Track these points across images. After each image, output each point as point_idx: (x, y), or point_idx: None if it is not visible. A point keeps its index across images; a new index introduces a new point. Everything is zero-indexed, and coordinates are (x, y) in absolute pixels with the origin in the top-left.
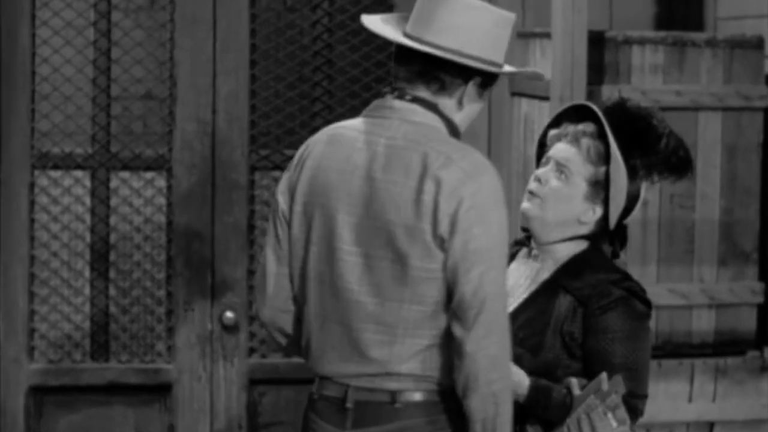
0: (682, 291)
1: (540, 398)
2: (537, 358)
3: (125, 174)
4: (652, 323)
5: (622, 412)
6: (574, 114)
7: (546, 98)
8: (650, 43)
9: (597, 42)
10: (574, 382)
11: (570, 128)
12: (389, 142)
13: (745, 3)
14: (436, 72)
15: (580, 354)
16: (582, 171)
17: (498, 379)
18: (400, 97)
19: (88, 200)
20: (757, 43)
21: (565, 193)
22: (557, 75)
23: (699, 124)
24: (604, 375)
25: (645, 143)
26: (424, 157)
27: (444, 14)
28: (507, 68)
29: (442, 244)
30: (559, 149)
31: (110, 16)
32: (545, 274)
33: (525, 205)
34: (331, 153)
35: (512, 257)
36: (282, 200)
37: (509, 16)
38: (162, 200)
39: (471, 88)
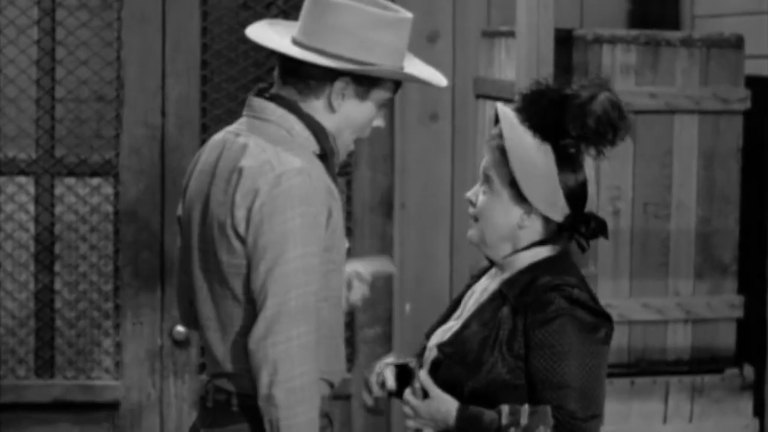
0: (656, 306)
1: (469, 428)
2: (477, 377)
3: (70, 180)
4: (623, 339)
5: None
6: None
7: (512, 100)
8: (622, 42)
9: (565, 41)
10: (505, 410)
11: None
12: (234, 139)
13: (724, 0)
14: (300, 71)
15: (523, 371)
16: (499, 174)
17: (279, 382)
18: (260, 94)
19: (32, 208)
20: (735, 43)
21: (494, 205)
22: (522, 76)
23: (674, 128)
24: (525, 408)
25: (561, 121)
26: (241, 151)
27: (315, 15)
28: (381, 69)
29: (240, 238)
30: (483, 160)
31: (54, 14)
32: (494, 287)
33: (469, 232)
34: (205, 157)
35: (483, 272)
36: (179, 208)
37: (393, 17)
38: (109, 208)
39: (340, 88)
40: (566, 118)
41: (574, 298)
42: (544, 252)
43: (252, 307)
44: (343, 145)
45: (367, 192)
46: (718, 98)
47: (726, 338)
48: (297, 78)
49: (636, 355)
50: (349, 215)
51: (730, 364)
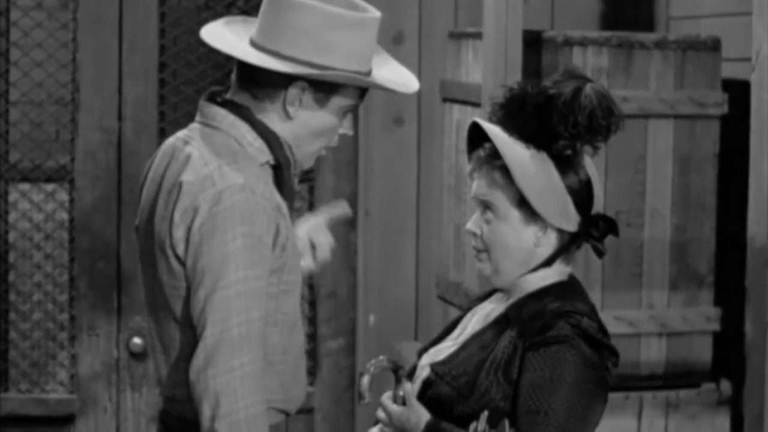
0: (629, 318)
1: None
2: (468, 401)
3: (24, 186)
4: None
5: None
6: (479, 136)
7: (479, 104)
8: (593, 44)
9: (534, 43)
10: (472, 427)
11: (473, 158)
12: (182, 147)
13: (700, 1)
14: (254, 75)
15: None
16: (503, 197)
17: (221, 416)
18: (212, 99)
19: None
20: (712, 45)
21: (505, 231)
22: (489, 79)
23: (648, 133)
24: (483, 414)
25: (547, 124)
26: (184, 163)
27: (272, 14)
28: (338, 73)
29: (179, 259)
30: (475, 186)
31: (9, 14)
32: (500, 310)
33: (478, 266)
34: (156, 164)
35: (488, 295)
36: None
37: (355, 17)
38: (64, 215)
39: (295, 94)
40: (555, 119)
41: (580, 327)
42: (553, 275)
43: (193, 333)
44: (306, 154)
45: (329, 198)
46: (693, 102)
47: (702, 352)
48: (252, 82)
49: None
50: None
51: (707, 378)
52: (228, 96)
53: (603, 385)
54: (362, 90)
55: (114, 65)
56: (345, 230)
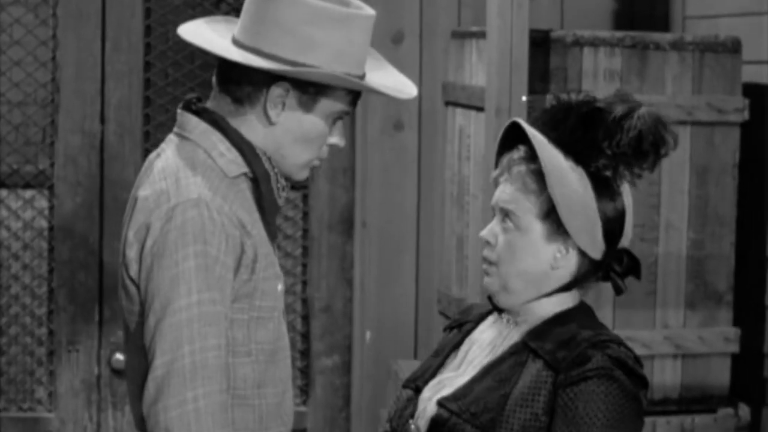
0: (642, 339)
1: None
2: None
3: (2, 192)
4: None
5: None
6: (513, 140)
7: (482, 109)
8: (605, 45)
9: (541, 43)
10: None
11: (503, 161)
12: (153, 159)
13: None
14: (233, 75)
15: None
16: (528, 207)
17: None
18: (187, 107)
19: None
20: (732, 46)
21: (521, 244)
22: (493, 82)
23: None
24: None
25: (593, 138)
26: (146, 177)
27: (255, 9)
28: (322, 72)
29: (133, 281)
30: (498, 191)
31: None
32: (515, 338)
33: (485, 280)
34: (139, 177)
35: (482, 317)
36: None
37: (344, 12)
38: (43, 223)
39: (278, 95)
40: (600, 133)
41: (619, 358)
42: (568, 300)
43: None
44: (294, 165)
45: (325, 208)
46: (712, 108)
47: (720, 375)
48: (232, 83)
49: None
50: (305, 233)
51: (724, 403)
52: (208, 102)
53: (641, 416)
54: (354, 95)
55: (96, 64)
56: (341, 241)
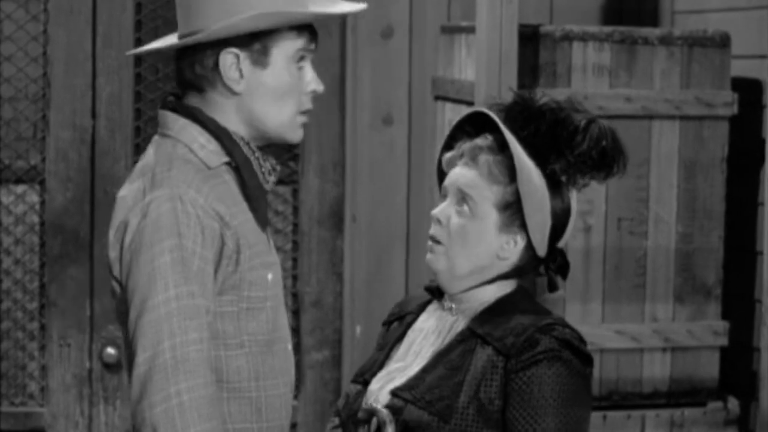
0: (631, 332)
1: None
2: (448, 426)
3: None
4: (594, 369)
5: None
6: (471, 127)
7: (472, 103)
8: (594, 39)
9: (530, 38)
10: None
11: (465, 146)
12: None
13: None
14: (184, 68)
15: (499, 421)
16: (488, 195)
17: None
18: (164, 105)
19: None
20: (720, 41)
21: (474, 230)
22: (482, 76)
23: (652, 135)
24: None
25: (557, 142)
26: (127, 176)
27: (180, 4)
28: (256, 16)
29: (117, 280)
30: (456, 174)
31: None
32: (461, 326)
33: (428, 256)
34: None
35: (422, 308)
36: None
37: None
38: (34, 218)
39: (230, 63)
40: (563, 141)
41: (566, 340)
42: (507, 287)
43: None
44: (279, 127)
45: (314, 203)
46: (701, 102)
47: (708, 368)
48: (187, 75)
49: (609, 386)
50: (295, 228)
51: (713, 396)
52: (184, 100)
53: (590, 391)
54: (306, 31)
55: (87, 60)
56: (331, 236)
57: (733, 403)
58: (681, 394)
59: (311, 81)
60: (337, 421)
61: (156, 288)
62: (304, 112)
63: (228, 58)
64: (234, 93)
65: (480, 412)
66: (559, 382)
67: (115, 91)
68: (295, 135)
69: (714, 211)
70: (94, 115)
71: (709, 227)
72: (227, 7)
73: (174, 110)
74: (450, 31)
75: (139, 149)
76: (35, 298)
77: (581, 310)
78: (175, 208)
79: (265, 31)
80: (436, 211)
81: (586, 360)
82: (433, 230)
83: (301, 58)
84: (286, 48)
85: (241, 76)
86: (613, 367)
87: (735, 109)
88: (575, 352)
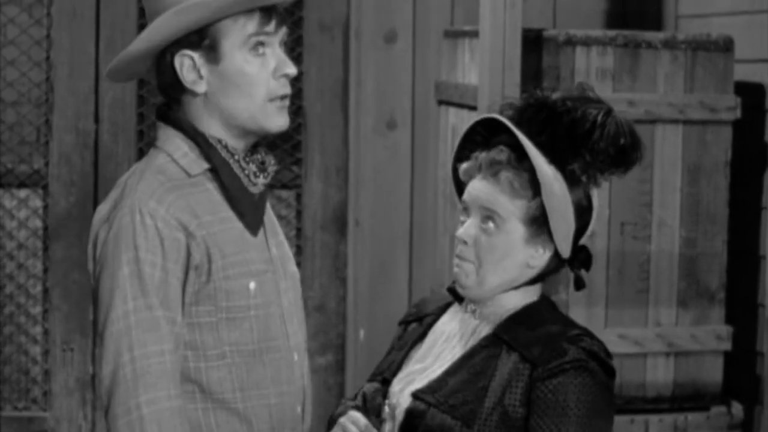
0: (634, 337)
1: None
2: (470, 431)
3: None
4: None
5: None
6: (483, 129)
7: (476, 108)
8: (597, 44)
9: (534, 42)
10: None
11: (482, 157)
12: None
13: None
14: (157, 83)
15: (521, 429)
16: (512, 210)
17: None
18: (156, 115)
19: None
20: (724, 45)
21: (502, 245)
22: (485, 80)
23: (656, 139)
24: None
25: (574, 141)
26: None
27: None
28: (176, 12)
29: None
30: (477, 190)
31: None
32: (485, 330)
33: (455, 270)
34: None
35: (443, 309)
36: None
37: None
38: (38, 223)
39: (187, 66)
40: (580, 139)
41: (593, 352)
42: (532, 294)
43: None
44: (254, 117)
45: (318, 207)
46: (704, 106)
47: (712, 373)
48: (159, 87)
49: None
50: (298, 232)
51: (717, 401)
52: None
53: (613, 403)
54: (259, 16)
55: (90, 64)
56: (335, 240)
57: (737, 408)
58: (684, 399)
59: (279, 65)
60: (358, 401)
61: (115, 302)
62: (279, 98)
63: (183, 61)
64: (199, 93)
65: (503, 419)
66: (585, 392)
67: (118, 96)
68: (273, 123)
69: (717, 215)
70: (97, 120)
71: (712, 231)
72: (154, 11)
73: (162, 119)
74: (453, 35)
75: (142, 153)
76: (38, 303)
77: (585, 314)
78: (134, 220)
79: (209, 24)
80: (460, 232)
81: (611, 373)
82: (459, 250)
83: (259, 44)
84: (234, 37)
85: (200, 76)
86: (616, 371)
87: (738, 114)
88: (601, 364)
